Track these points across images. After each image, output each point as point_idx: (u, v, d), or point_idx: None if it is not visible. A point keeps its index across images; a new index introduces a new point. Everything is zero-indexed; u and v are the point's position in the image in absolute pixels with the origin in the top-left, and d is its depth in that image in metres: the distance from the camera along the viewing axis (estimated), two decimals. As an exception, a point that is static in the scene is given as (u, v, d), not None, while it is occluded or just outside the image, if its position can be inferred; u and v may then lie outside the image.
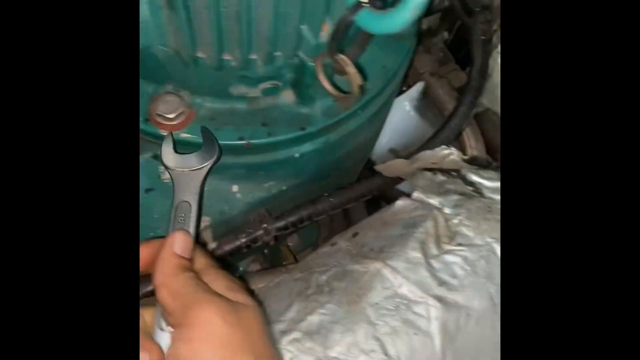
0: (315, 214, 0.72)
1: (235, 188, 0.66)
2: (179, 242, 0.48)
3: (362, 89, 0.49)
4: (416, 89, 0.96)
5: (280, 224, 0.71)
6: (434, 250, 0.57)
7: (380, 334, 0.51)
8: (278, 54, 0.52)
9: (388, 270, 0.55)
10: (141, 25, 0.46)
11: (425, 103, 1.01)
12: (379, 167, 0.75)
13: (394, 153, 1.08)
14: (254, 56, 0.52)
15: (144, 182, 0.61)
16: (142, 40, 0.49)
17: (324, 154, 0.65)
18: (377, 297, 0.54)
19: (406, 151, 0.79)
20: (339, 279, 0.56)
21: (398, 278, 0.55)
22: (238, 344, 0.41)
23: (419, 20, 0.73)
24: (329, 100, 0.60)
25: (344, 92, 0.50)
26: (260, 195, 0.68)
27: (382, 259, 0.56)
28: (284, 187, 0.69)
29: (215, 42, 0.47)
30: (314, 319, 0.53)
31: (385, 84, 0.63)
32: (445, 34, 1.03)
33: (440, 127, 0.78)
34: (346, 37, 0.46)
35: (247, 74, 0.55)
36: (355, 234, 0.63)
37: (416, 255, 0.56)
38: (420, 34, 0.98)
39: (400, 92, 1.04)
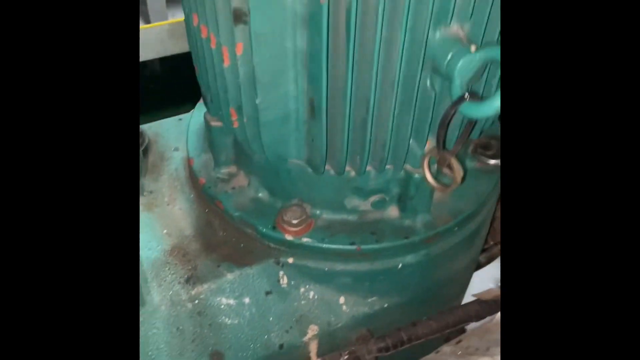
0: (415, 337, 0.75)
1: (342, 299, 0.71)
2: None
3: (463, 179, 0.58)
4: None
5: (381, 344, 0.74)
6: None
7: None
8: (389, 166, 0.64)
9: (496, 363, 0.57)
10: (285, 138, 0.60)
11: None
12: (477, 294, 0.78)
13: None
14: (369, 168, 0.63)
15: (264, 285, 0.68)
16: (281, 149, 0.62)
17: (426, 268, 0.71)
18: (487, 387, 0.54)
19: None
20: (448, 372, 0.58)
21: (507, 370, 0.55)
22: None
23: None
24: (429, 215, 0.69)
25: (445, 185, 0.59)
26: (364, 311, 0.73)
27: (490, 355, 0.58)
28: (386, 305, 0.73)
29: (344, 149, 0.59)
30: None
31: (478, 206, 0.72)
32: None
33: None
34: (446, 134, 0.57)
35: (360, 185, 0.66)
36: (458, 341, 0.65)
37: (523, 351, 0.57)
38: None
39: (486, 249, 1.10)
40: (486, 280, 1.18)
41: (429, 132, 0.60)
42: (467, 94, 0.50)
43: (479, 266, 1.16)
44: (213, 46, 0.57)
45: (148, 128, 0.86)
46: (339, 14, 0.48)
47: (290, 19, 0.50)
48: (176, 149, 0.83)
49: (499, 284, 1.09)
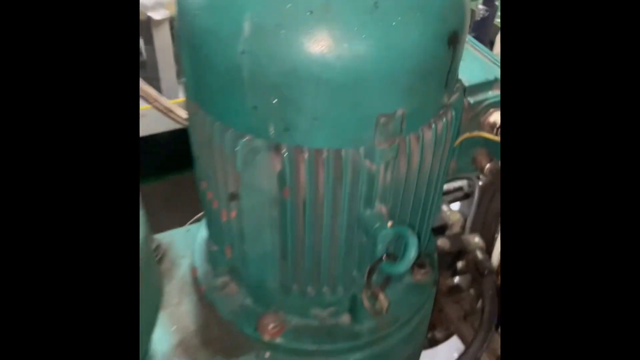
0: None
1: (306, 387, 0.93)
2: None
3: (387, 309, 0.81)
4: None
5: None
6: None
7: None
8: (340, 288, 0.87)
9: None
10: (264, 269, 0.84)
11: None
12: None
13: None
14: (325, 289, 0.87)
15: (246, 375, 0.90)
16: (262, 276, 0.85)
17: (371, 362, 0.93)
18: None
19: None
20: None
21: None
22: None
23: (438, 274, 1.07)
24: (373, 322, 0.92)
25: (378, 310, 0.82)
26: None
27: None
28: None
29: (304, 279, 0.82)
30: None
31: (412, 314, 0.95)
32: (472, 292, 1.36)
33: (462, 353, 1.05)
34: (378, 276, 0.81)
35: (320, 300, 0.89)
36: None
37: None
38: (451, 289, 1.32)
39: (436, 340, 1.33)
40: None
41: (366, 265, 0.84)
42: (384, 256, 0.73)
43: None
44: (215, 206, 0.81)
45: (162, 238, 1.09)
46: (298, 201, 0.73)
47: (267, 200, 0.74)
48: (184, 257, 1.06)
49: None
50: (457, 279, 1.34)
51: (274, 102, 0.63)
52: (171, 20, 2.60)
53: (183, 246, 1.08)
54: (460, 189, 1.46)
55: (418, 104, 0.67)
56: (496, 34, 1.64)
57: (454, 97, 0.76)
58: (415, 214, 0.81)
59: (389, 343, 0.93)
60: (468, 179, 1.45)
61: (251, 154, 0.69)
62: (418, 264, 1.00)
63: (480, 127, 0.90)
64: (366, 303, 0.82)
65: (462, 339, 1.22)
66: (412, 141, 0.71)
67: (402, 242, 0.79)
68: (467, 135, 0.90)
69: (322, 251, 0.78)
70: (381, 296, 0.79)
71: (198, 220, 1.14)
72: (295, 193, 0.72)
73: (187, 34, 0.67)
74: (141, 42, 2.59)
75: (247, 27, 0.59)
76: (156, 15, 2.37)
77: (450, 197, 1.48)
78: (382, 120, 0.65)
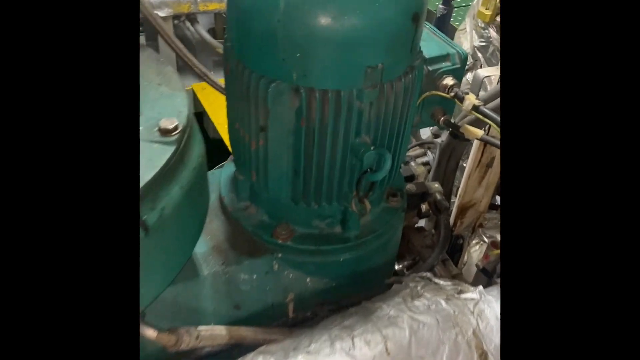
0: (350, 305, 1.28)
1: (308, 280, 1.25)
2: None
3: (369, 210, 1.13)
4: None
5: (330, 307, 1.27)
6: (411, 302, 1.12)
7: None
8: (335, 203, 1.19)
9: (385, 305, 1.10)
10: (281, 186, 1.15)
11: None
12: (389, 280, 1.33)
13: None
14: (324, 203, 1.18)
15: (265, 268, 1.21)
16: (279, 192, 1.17)
17: (356, 262, 1.25)
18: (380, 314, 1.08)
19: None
20: (356, 312, 1.11)
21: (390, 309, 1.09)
22: None
23: (406, 208, 1.41)
24: (357, 231, 1.24)
25: (362, 213, 1.15)
26: (320, 287, 1.26)
27: (382, 300, 1.12)
28: (334, 284, 1.27)
29: (311, 195, 1.14)
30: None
31: (386, 228, 1.27)
32: (433, 231, 1.70)
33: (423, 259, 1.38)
34: (363, 187, 1.13)
35: (319, 212, 1.20)
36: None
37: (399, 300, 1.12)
38: (418, 228, 1.65)
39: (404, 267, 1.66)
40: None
41: (355, 184, 1.16)
42: (368, 169, 1.06)
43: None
44: (246, 140, 1.12)
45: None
46: (310, 130, 1.05)
47: (287, 130, 1.06)
48: (212, 192, 1.37)
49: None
50: (422, 222, 1.68)
51: (297, 55, 0.95)
52: (174, 18, 2.90)
53: (211, 183, 1.39)
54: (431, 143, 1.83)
55: (392, 61, 1.00)
56: (453, 32, 2.01)
57: (417, 61, 1.10)
58: (391, 142, 1.14)
59: (369, 248, 1.26)
60: (431, 143, 1.80)
61: (279, 94, 1.00)
62: (391, 193, 1.33)
63: (436, 88, 1.24)
64: (354, 207, 1.15)
65: (424, 261, 1.55)
66: (388, 88, 1.04)
67: (382, 160, 1.12)
68: (427, 94, 1.23)
69: (325, 169, 1.10)
70: (366, 202, 1.12)
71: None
72: (308, 123, 1.04)
73: (236, 9, 0.98)
74: (143, 39, 2.88)
75: (282, 3, 0.91)
76: (160, 12, 2.67)
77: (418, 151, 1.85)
78: (369, 70, 0.98)
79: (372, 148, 1.06)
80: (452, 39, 2.18)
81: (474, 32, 1.76)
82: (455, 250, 1.95)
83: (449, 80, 1.22)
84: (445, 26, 2.31)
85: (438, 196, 1.54)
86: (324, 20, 0.91)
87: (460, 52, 1.24)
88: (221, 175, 1.37)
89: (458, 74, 1.25)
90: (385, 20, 0.94)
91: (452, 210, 1.83)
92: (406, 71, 1.06)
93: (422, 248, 1.56)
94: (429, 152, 1.89)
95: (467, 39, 1.75)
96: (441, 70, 1.22)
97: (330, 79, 0.98)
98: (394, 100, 1.06)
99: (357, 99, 1.01)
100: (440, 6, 2.36)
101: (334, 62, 0.95)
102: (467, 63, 1.78)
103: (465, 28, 1.78)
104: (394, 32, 0.96)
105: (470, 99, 1.17)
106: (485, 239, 1.73)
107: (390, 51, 0.98)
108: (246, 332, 1.14)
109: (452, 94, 1.21)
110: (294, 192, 1.16)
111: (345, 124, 1.04)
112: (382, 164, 1.04)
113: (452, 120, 1.32)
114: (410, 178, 1.59)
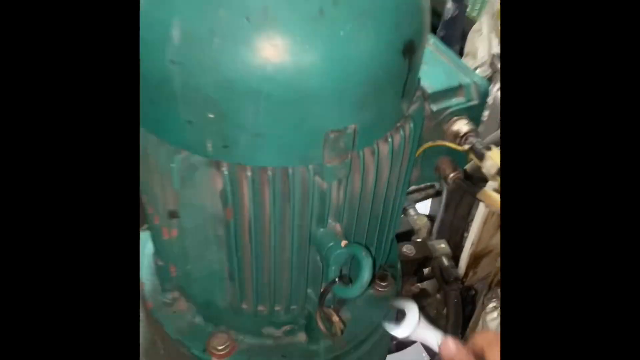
0: None
1: (259, 408, 0.88)
2: None
3: (342, 332, 0.76)
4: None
5: None
6: None
7: None
8: (294, 307, 0.82)
9: None
10: (211, 289, 0.78)
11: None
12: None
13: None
14: (277, 307, 0.81)
15: (196, 398, 0.85)
16: (209, 296, 0.79)
17: (328, 383, 0.88)
18: None
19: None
20: None
21: None
22: None
23: (402, 282, 1.03)
24: (329, 340, 0.87)
25: (333, 333, 0.78)
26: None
27: None
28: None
29: (254, 299, 0.77)
30: None
31: (371, 332, 0.90)
32: (438, 296, 1.32)
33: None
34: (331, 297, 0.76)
35: (273, 319, 0.83)
36: None
37: None
38: (418, 295, 1.27)
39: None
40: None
41: (321, 284, 0.78)
42: (337, 279, 0.68)
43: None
44: (156, 222, 0.75)
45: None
46: (243, 221, 0.67)
47: (210, 219, 0.68)
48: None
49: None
50: (424, 284, 1.30)
51: (210, 116, 0.56)
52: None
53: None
54: (432, 186, 1.42)
55: (372, 118, 0.62)
56: (469, 26, 1.58)
57: (414, 107, 0.71)
58: (373, 231, 0.76)
59: (348, 362, 0.89)
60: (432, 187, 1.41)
61: (189, 171, 0.62)
62: (379, 276, 0.95)
63: (443, 135, 0.85)
64: (321, 325, 0.77)
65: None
66: (366, 156, 0.65)
67: (357, 266, 0.74)
68: (429, 144, 0.84)
69: (272, 271, 0.73)
70: (335, 318, 0.74)
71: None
72: (239, 213, 0.66)
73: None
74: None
75: (175, 33, 0.52)
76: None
77: (422, 194, 1.44)
78: (332, 136, 0.59)
79: (343, 244, 0.68)
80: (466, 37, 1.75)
81: (493, 34, 1.35)
82: (465, 302, 1.57)
83: (461, 125, 0.83)
84: (455, 32, 1.81)
85: (445, 261, 1.16)
86: (251, 60, 0.52)
87: (478, 82, 0.84)
88: (145, 248, 0.99)
89: (475, 114, 0.85)
90: (356, 59, 0.55)
91: (462, 259, 1.45)
92: (395, 127, 0.67)
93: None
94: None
95: (483, 43, 1.35)
96: (451, 110, 0.83)
97: (267, 152, 0.60)
98: (376, 172, 0.68)
99: (315, 176, 0.63)
100: (449, 4, 1.83)
101: (271, 125, 0.57)
102: (484, 74, 1.38)
103: (481, 30, 1.37)
104: (372, 75, 0.57)
105: (495, 159, 0.78)
106: (505, 305, 1.36)
107: (368, 105, 0.60)
108: None
109: (466, 145, 0.82)
110: (231, 297, 0.79)
111: (300, 213, 0.67)
112: (358, 272, 0.66)
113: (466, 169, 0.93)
114: (408, 234, 1.22)
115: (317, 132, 0.59)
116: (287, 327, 0.86)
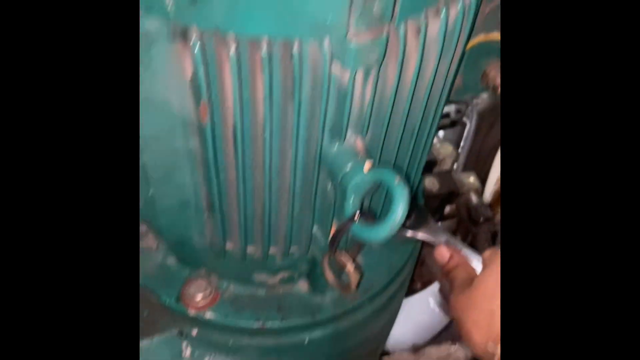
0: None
1: (247, 370, 0.71)
2: None
3: (358, 283, 0.57)
4: (437, 286, 1.04)
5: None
6: None
7: None
8: (294, 249, 0.62)
9: None
10: (185, 223, 0.58)
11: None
12: (385, 359, 0.79)
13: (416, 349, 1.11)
14: (273, 250, 0.62)
15: (166, 357, 0.67)
16: (182, 232, 0.60)
17: (333, 342, 0.71)
18: None
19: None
20: None
21: None
22: None
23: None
24: (338, 291, 0.68)
25: (345, 285, 0.59)
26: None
27: None
28: (294, 374, 0.73)
29: (242, 238, 0.57)
30: None
31: (390, 280, 0.72)
32: (459, 238, 1.14)
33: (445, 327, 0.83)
34: (347, 239, 0.56)
35: (267, 264, 0.64)
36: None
37: None
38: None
39: (414, 291, 1.11)
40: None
41: (332, 220, 0.59)
42: (357, 215, 0.48)
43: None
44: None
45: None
46: (226, 128, 0.46)
47: (179, 125, 0.47)
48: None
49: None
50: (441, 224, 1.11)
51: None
52: None
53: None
54: (446, 115, 1.20)
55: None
56: None
57: (475, -30, 0.48)
58: (405, 151, 0.55)
59: (358, 317, 0.71)
60: (456, 102, 1.18)
61: (147, 42, 0.41)
62: (401, 213, 0.76)
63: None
64: (329, 275, 0.58)
65: (443, 293, 1.01)
66: (409, 35, 0.44)
67: (383, 193, 0.54)
68: (481, 37, 0.63)
69: (266, 202, 0.53)
70: (350, 267, 0.55)
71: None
72: (218, 115, 0.45)
73: None
74: None
75: None
76: None
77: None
78: (362, -6, 0.37)
79: (366, 166, 0.48)
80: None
81: None
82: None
83: (526, 13, 0.61)
84: None
85: (474, 199, 0.96)
86: None
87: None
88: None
89: None
90: None
91: (485, 196, 1.25)
92: (452, -6, 0.45)
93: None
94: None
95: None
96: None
97: (261, 12, 0.38)
98: (420, 62, 0.46)
99: (334, 61, 0.42)
100: None
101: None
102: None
103: None
104: None
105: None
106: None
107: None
108: None
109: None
110: (211, 235, 0.59)
111: (308, 118, 0.46)
112: (390, 205, 0.46)
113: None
114: (430, 165, 1.01)
115: (340, -18, 0.37)
116: (284, 274, 0.67)
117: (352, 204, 0.49)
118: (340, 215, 0.56)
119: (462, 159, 1.06)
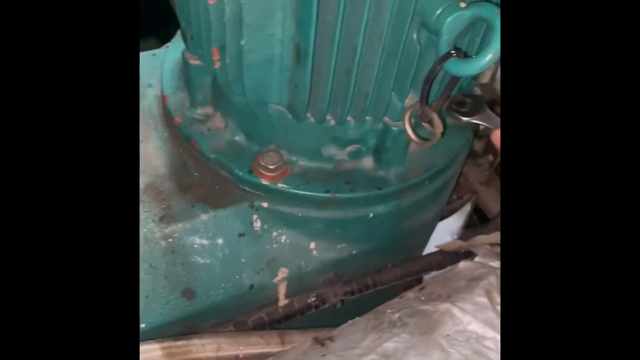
0: (379, 282, 0.78)
1: (312, 245, 0.73)
2: None
3: (442, 134, 0.59)
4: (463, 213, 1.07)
5: (347, 288, 0.77)
6: (498, 298, 0.62)
7: None
8: (368, 118, 0.65)
9: (457, 309, 0.60)
10: (269, 81, 0.60)
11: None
12: (440, 245, 0.82)
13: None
14: (349, 118, 0.64)
15: (238, 227, 0.69)
16: (263, 93, 0.62)
17: (395, 218, 0.73)
18: (448, 330, 0.58)
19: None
20: (410, 315, 0.61)
21: (467, 316, 0.59)
22: None
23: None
24: (402, 167, 0.71)
25: (425, 139, 0.61)
26: (333, 256, 0.75)
27: (451, 301, 0.61)
28: (355, 251, 0.76)
29: (327, 97, 0.59)
30: (389, 345, 0.57)
31: (449, 161, 0.74)
32: (491, 157, 1.17)
33: (492, 218, 0.87)
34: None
35: (339, 134, 0.66)
36: (422, 288, 0.69)
37: (482, 300, 0.62)
38: (471, 152, 1.12)
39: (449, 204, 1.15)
40: (445, 231, 1.23)
41: (410, 86, 0.61)
42: (454, 50, 0.50)
43: (441, 218, 1.21)
44: (199, -20, 0.55)
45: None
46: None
47: (281, -38, 0.49)
48: (150, 86, 0.81)
49: (456, 236, 1.15)
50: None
51: None
52: None
53: (148, 73, 0.82)
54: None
55: None
56: None
57: None
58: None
59: (419, 195, 0.73)
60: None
61: None
62: (458, 101, 0.78)
63: None
64: (409, 128, 0.60)
65: (482, 205, 1.04)
66: None
67: (487, 31, 0.56)
68: None
69: (357, 55, 0.54)
70: (435, 118, 0.57)
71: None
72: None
73: None
74: None
75: None
76: None
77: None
78: None
79: (462, 4, 0.50)
80: None
81: None
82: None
83: None
84: None
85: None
86: None
87: None
88: (165, 60, 0.80)
89: None
90: None
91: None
92: None
93: (480, 185, 1.05)
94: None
95: None
96: None
97: None
98: None
99: None
100: None
101: None
102: None
103: None
104: None
105: None
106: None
107: None
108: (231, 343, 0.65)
109: None
110: (293, 95, 0.61)
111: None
112: (487, 37, 0.49)
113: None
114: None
115: None
116: (352, 147, 0.69)
117: (446, 41, 0.51)
118: (418, 79, 0.58)
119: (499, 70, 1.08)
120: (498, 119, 0.70)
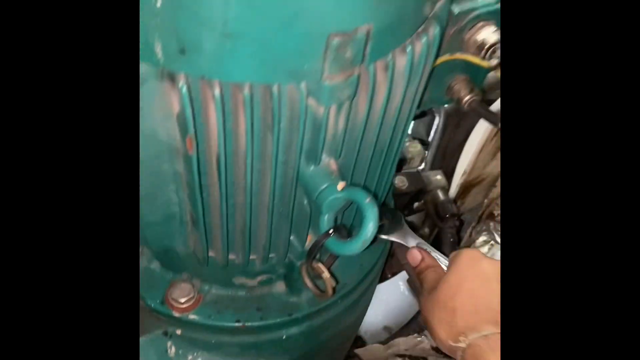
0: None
1: (230, 363, 0.76)
2: None
3: (334, 290, 0.62)
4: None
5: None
6: None
7: None
8: (272, 255, 0.67)
9: None
10: (170, 234, 0.62)
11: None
12: (358, 351, 0.85)
13: (388, 330, 1.18)
14: (253, 256, 0.66)
15: (152, 356, 0.71)
16: (167, 243, 0.64)
17: (309, 337, 0.76)
18: None
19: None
20: None
21: None
22: None
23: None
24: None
25: (322, 291, 0.64)
26: (251, 371, 0.78)
27: None
28: (273, 365, 0.79)
29: (224, 247, 0.62)
30: None
31: (361, 279, 0.77)
32: (427, 230, 1.20)
33: (415, 315, 0.90)
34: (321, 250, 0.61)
35: (247, 269, 0.69)
36: None
37: None
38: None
39: (385, 279, 1.18)
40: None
41: (308, 230, 0.63)
42: (332, 230, 0.53)
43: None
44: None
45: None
46: (210, 156, 0.50)
47: (166, 150, 0.51)
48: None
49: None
50: (411, 217, 1.17)
51: (157, 4, 0.37)
52: None
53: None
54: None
55: (391, 17, 0.44)
56: None
57: (439, 4, 0.53)
58: (375, 169, 0.60)
59: (332, 313, 0.76)
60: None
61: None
62: (371, 215, 0.81)
63: (463, 46, 0.67)
64: (307, 282, 0.63)
65: (415, 288, 1.07)
66: (378, 72, 0.48)
67: (354, 208, 0.58)
68: (446, 57, 0.67)
69: (247, 217, 0.57)
70: (326, 275, 0.60)
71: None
72: (204, 144, 0.49)
73: None
74: None
75: None
76: None
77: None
78: (336, 41, 0.41)
79: (339, 186, 0.53)
80: None
81: None
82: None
83: (488, 34, 0.65)
84: None
85: (441, 195, 1.03)
86: None
87: (512, -21, 0.65)
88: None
89: (504, 21, 0.68)
90: None
91: (451, 188, 1.31)
92: (417, 32, 0.50)
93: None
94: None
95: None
96: (475, 13, 0.65)
97: (243, 61, 0.42)
98: (388, 93, 0.51)
99: (310, 97, 0.46)
100: None
101: (249, 21, 0.39)
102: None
103: None
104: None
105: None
106: (498, 239, 1.24)
107: (389, -3, 0.42)
108: None
109: (494, 60, 0.66)
110: (195, 245, 0.63)
111: (286, 145, 0.50)
112: (360, 222, 0.51)
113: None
114: (400, 163, 1.06)
115: (315, 34, 0.41)
116: (262, 277, 0.71)
117: (327, 220, 0.53)
118: (315, 225, 0.61)
119: (430, 156, 1.11)
120: (415, 238, 0.74)
